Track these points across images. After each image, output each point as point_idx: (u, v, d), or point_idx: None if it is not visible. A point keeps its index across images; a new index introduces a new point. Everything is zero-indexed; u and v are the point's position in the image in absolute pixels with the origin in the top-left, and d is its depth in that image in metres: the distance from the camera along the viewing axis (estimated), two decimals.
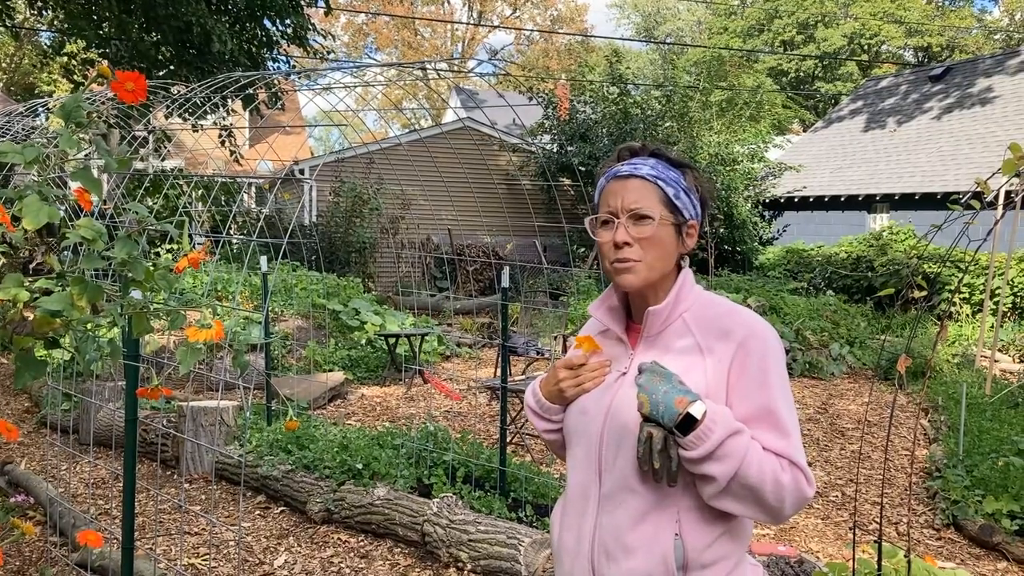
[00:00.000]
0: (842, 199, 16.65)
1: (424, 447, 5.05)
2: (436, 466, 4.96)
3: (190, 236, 1.89)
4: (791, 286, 13.38)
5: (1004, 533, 4.62)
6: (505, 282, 4.61)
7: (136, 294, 1.99)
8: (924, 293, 2.56)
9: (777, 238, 17.78)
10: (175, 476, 5.46)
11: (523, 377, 6.28)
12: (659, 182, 1.56)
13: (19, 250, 12.28)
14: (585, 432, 1.60)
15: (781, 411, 1.45)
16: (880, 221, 15.98)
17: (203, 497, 5.10)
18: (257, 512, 4.90)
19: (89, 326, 1.84)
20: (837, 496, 5.53)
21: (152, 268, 1.90)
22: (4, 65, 27.37)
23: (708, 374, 1.48)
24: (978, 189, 2.81)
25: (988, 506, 4.91)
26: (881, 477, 5.83)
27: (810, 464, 6.13)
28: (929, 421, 7.35)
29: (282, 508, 4.93)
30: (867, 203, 16.39)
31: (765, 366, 1.47)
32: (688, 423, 1.36)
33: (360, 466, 4.75)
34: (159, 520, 4.68)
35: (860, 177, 17.12)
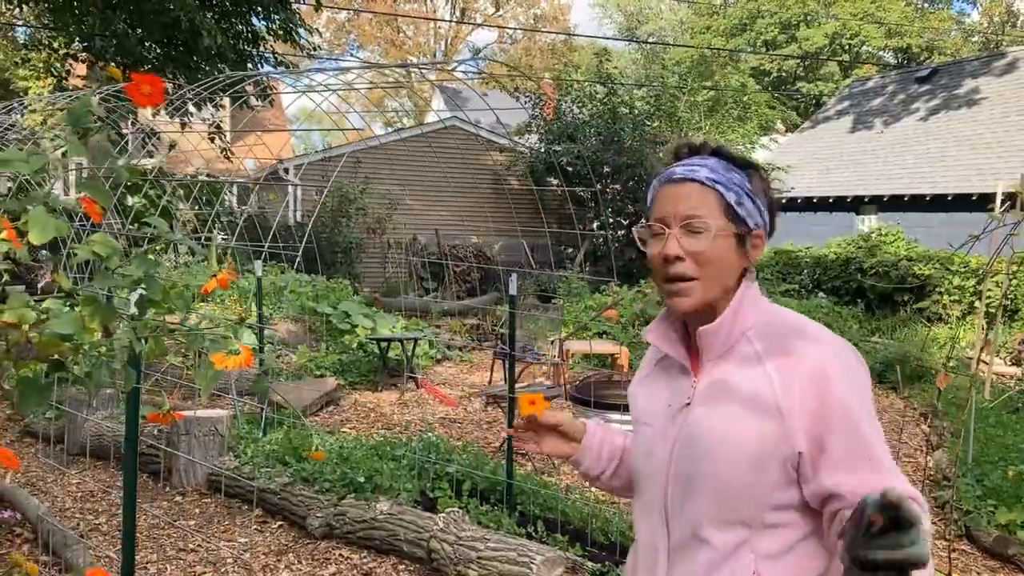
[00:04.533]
0: (830, 200, 16.65)
1: (427, 459, 4.90)
2: (439, 478, 4.81)
3: (218, 256, 1.73)
4: (783, 288, 13.32)
5: (1020, 545, 4.54)
6: (513, 289, 4.47)
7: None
8: (936, 301, 2.45)
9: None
10: (167, 488, 5.27)
11: (523, 384, 6.13)
12: (718, 187, 1.37)
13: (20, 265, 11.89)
14: (652, 475, 1.45)
15: (875, 446, 1.27)
16: (868, 223, 15.98)
17: (197, 511, 4.93)
18: (254, 527, 4.73)
19: (103, 350, 1.69)
20: None
21: (171, 287, 1.75)
22: None
23: (782, 406, 1.29)
24: (1013, 191, 2.71)
25: (1001, 517, 4.83)
26: None
27: None
28: (930, 426, 7.29)
29: (280, 523, 4.76)
30: (855, 204, 16.40)
31: (847, 396, 1.28)
32: None
33: (362, 479, 4.60)
34: (152, 536, 4.50)
35: (848, 178, 17.13)
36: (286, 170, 16.17)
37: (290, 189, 16.21)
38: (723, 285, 1.39)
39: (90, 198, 1.82)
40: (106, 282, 1.68)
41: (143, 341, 1.72)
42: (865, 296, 13.08)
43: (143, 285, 1.69)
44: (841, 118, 20.33)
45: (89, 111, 1.84)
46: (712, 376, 1.40)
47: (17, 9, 13.23)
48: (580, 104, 17.04)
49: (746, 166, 1.42)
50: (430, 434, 5.32)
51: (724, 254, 1.37)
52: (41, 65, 13.64)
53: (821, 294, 13.27)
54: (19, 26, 14.76)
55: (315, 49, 15.33)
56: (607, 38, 38.63)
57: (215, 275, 1.60)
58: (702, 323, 1.41)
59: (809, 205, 17.21)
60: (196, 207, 12.85)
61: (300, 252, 11.72)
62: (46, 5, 11.70)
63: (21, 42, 15.72)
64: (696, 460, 1.36)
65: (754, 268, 1.45)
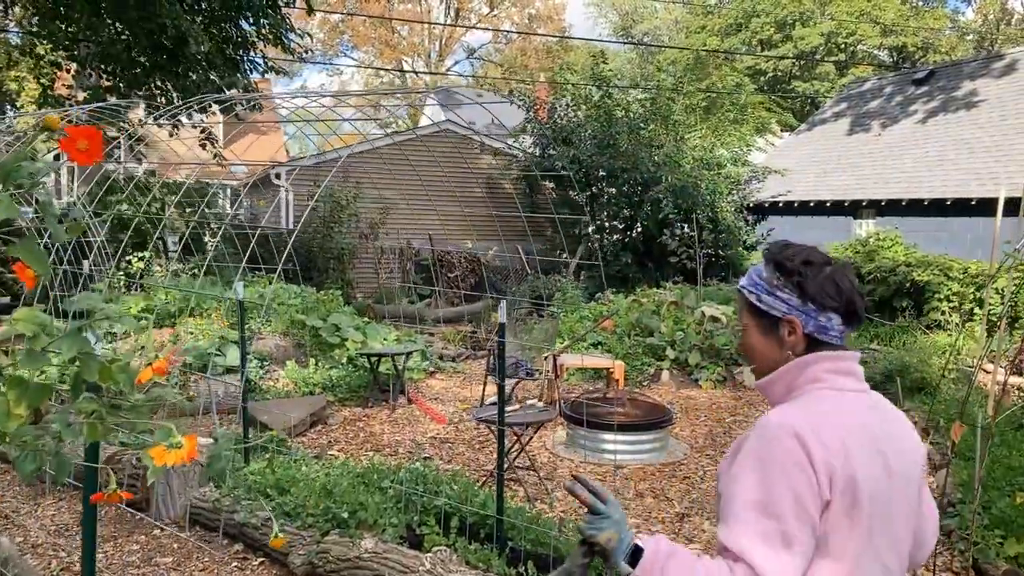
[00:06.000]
0: (828, 204, 16.48)
1: (414, 490, 4.72)
2: (427, 512, 4.62)
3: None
4: None
5: None
6: (502, 317, 4.29)
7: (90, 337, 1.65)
8: (935, 308, 2.27)
9: (761, 243, 17.58)
10: (145, 520, 5.08)
11: (515, 408, 5.95)
12: (744, 290, 1.67)
13: None
14: None
15: (733, 498, 1.44)
16: (866, 227, 15.81)
17: (175, 546, 4.73)
18: (234, 563, 4.54)
19: (31, 440, 1.51)
20: None
21: (109, 363, 1.56)
22: None
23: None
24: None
25: (1010, 548, 4.66)
26: None
27: None
28: (932, 443, 7.12)
29: (262, 559, 4.57)
30: (853, 209, 16.23)
31: (744, 455, 1.48)
32: (637, 555, 1.45)
33: (346, 515, 4.41)
34: (127, 575, 4.32)
35: (845, 182, 16.96)
36: (278, 175, 15.95)
37: (282, 194, 16.00)
38: (765, 368, 1.64)
39: (24, 263, 1.63)
40: (34, 363, 1.50)
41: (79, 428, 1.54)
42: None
43: (77, 365, 1.51)
44: (838, 120, 20.16)
45: (22, 167, 1.65)
46: None
47: (4, 13, 13.02)
48: (576, 107, 16.84)
49: (770, 261, 1.66)
50: (418, 463, 5.13)
51: (754, 344, 1.66)
52: (27, 71, 13.45)
53: None
54: (7, 32, 14.51)
55: (306, 52, 15.12)
56: (601, 40, 38.35)
57: (151, 363, 1.41)
58: None
59: (806, 209, 17.05)
60: (186, 211, 12.65)
61: (293, 262, 11.53)
62: (34, 9, 11.49)
63: (11, 45, 15.47)
64: None
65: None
